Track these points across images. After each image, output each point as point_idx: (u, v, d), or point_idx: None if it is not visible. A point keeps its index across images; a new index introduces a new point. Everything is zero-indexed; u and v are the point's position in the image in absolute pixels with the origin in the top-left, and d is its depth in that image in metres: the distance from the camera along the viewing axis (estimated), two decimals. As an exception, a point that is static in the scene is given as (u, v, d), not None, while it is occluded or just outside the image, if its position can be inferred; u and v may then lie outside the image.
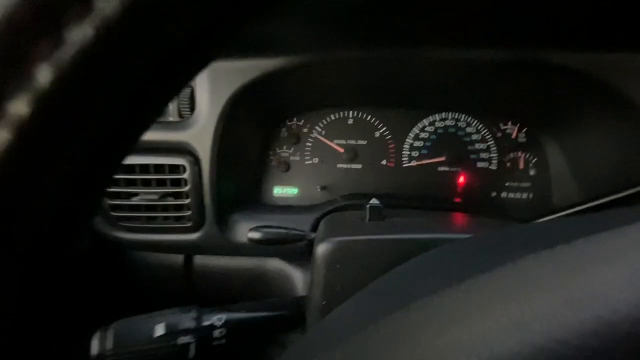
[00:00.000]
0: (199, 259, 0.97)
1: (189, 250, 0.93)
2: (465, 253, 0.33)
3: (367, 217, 0.65)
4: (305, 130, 1.06)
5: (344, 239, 0.56)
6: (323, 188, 1.04)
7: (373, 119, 1.04)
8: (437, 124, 1.05)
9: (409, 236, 0.54)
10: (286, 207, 0.98)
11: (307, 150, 1.06)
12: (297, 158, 1.07)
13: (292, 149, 1.07)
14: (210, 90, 0.81)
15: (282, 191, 1.08)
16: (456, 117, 1.03)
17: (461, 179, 1.03)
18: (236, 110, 0.83)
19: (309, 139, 1.06)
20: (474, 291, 0.20)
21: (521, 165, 1.04)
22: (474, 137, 1.04)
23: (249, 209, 0.94)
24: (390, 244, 0.54)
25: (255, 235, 0.75)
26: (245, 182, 1.00)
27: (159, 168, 0.83)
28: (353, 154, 1.05)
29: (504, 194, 1.03)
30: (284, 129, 1.07)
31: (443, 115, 1.03)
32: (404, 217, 0.67)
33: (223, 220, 0.90)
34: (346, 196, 0.97)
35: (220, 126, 0.84)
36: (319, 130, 1.05)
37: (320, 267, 0.55)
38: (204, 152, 0.85)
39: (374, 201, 0.66)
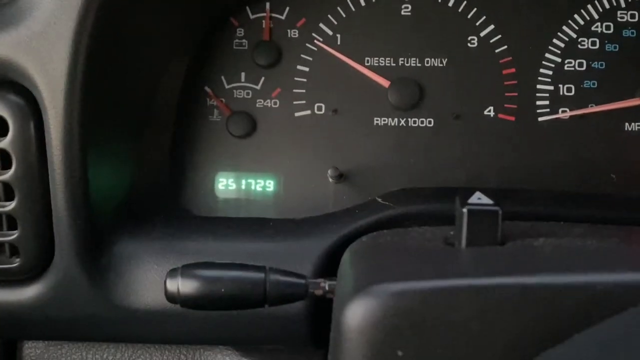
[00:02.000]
0: (35, 350, 0.73)
1: (10, 328, 0.67)
2: None
3: (464, 238, 0.46)
4: (294, 32, 0.71)
5: (413, 287, 0.42)
6: (339, 177, 0.67)
7: (464, 5, 0.70)
8: (622, 16, 0.68)
9: (567, 279, 0.41)
10: (248, 221, 0.66)
11: (299, 84, 0.71)
12: (275, 104, 0.72)
13: (262, 79, 0.72)
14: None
15: (238, 185, 0.72)
16: None
17: None
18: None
19: (304, 56, 0.71)
20: None
21: None
22: None
23: (162, 227, 0.65)
24: (523, 296, 0.40)
25: (189, 286, 0.51)
26: (147, 165, 0.71)
27: None
28: (413, 93, 0.70)
29: None
30: (238, 31, 0.72)
31: None
32: (549, 236, 0.50)
33: (99, 253, 0.63)
34: (399, 194, 0.65)
35: (86, 23, 0.56)
36: (328, 32, 0.71)
37: (358, 355, 0.42)
38: (52, 90, 0.58)
39: (479, 199, 0.47)
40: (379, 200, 0.63)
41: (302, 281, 0.51)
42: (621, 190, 0.65)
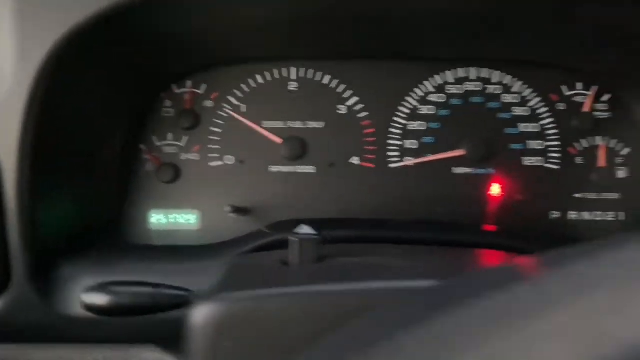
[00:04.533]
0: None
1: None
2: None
3: (296, 257, 0.52)
4: (210, 103, 0.79)
5: (235, 297, 0.46)
6: (239, 211, 0.76)
7: (335, 82, 0.79)
8: (450, 89, 0.79)
9: (341, 287, 0.46)
10: (175, 249, 0.71)
11: (214, 142, 0.79)
12: (195, 156, 0.79)
13: (185, 139, 0.79)
14: (18, 36, 0.59)
15: (167, 219, 0.78)
16: (484, 75, 0.78)
17: (495, 189, 0.77)
18: (69, 69, 0.61)
19: (217, 120, 0.79)
20: None
21: (602, 162, 0.76)
22: (517, 111, 0.78)
23: (99, 253, 0.69)
24: (307, 301, 0.44)
25: (98, 298, 0.53)
26: (92, 204, 0.75)
27: None
28: (299, 147, 0.78)
29: (572, 215, 0.77)
30: (166, 102, 0.79)
31: (461, 72, 0.78)
32: (358, 254, 0.55)
33: (46, 276, 0.66)
34: (277, 225, 0.71)
35: (37, 97, 0.59)
36: (235, 102, 0.79)
37: (197, 347, 0.45)
38: (7, 153, 0.60)
39: (304, 230, 0.53)
40: (265, 229, 0.69)
41: (186, 293, 0.56)
42: (449, 218, 0.75)
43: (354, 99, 0.78)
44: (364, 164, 0.78)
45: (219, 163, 0.78)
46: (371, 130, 0.78)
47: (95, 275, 0.66)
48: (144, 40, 0.69)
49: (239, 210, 0.75)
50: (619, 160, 0.76)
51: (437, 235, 0.66)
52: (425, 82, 0.78)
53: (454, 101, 0.78)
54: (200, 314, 0.46)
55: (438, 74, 0.78)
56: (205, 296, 0.48)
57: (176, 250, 0.71)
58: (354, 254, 0.56)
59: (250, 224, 0.76)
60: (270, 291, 0.47)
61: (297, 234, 0.53)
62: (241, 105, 0.78)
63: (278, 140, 0.77)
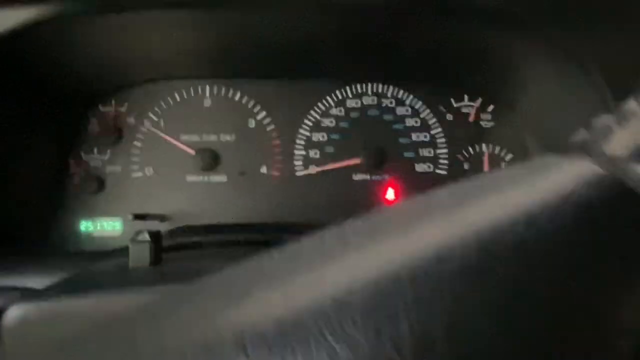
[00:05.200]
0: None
1: None
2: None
3: (130, 262, 0.51)
4: (132, 119, 0.84)
5: (37, 300, 0.44)
6: (140, 218, 0.80)
7: (245, 99, 0.84)
8: (349, 104, 0.84)
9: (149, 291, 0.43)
10: (100, 255, 0.70)
11: (135, 155, 0.84)
12: (118, 168, 0.84)
13: (109, 153, 0.84)
14: None
15: (95, 227, 0.83)
16: (379, 90, 0.84)
17: (390, 194, 0.81)
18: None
19: (138, 135, 0.84)
20: None
21: (487, 167, 0.81)
22: (409, 122, 0.83)
23: (29, 261, 0.66)
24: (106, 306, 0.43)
25: None
26: (29, 213, 0.79)
27: None
28: (211, 159, 0.83)
29: None
30: (92, 120, 0.85)
31: (358, 88, 0.84)
32: (196, 259, 0.55)
33: None
34: (177, 230, 0.74)
35: None
36: (155, 119, 0.84)
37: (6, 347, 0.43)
38: None
39: (142, 236, 0.52)
40: (166, 234, 0.67)
41: (10, 294, 0.52)
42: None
43: (262, 114, 0.83)
44: (272, 172, 0.83)
45: (140, 174, 0.83)
46: (278, 141, 0.83)
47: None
48: (60, 62, 0.72)
49: (139, 217, 0.78)
50: (503, 165, 0.81)
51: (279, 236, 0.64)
52: (327, 97, 0.83)
53: (353, 114, 0.83)
54: (7, 315, 0.45)
55: (338, 90, 0.83)
56: (18, 298, 0.46)
57: (84, 256, 0.71)
58: (195, 258, 0.56)
59: (167, 229, 0.78)
60: (72, 296, 0.45)
61: (134, 240, 0.52)
62: (160, 120, 0.83)
63: (192, 152, 0.82)
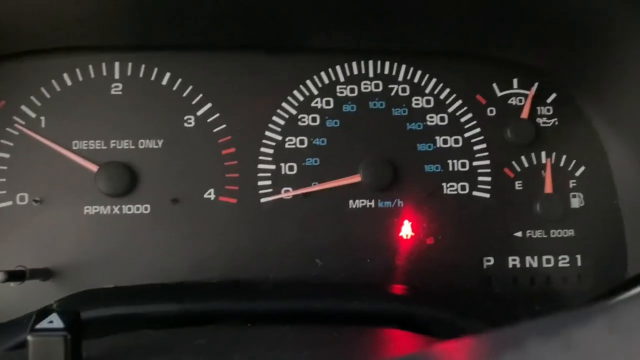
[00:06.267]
0: None
1: None
2: None
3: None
4: None
5: None
6: (16, 277, 0.55)
7: (179, 82, 0.60)
8: (341, 91, 0.61)
9: None
10: None
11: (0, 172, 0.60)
12: None
13: None
14: None
15: None
16: (385, 70, 0.62)
17: (406, 228, 0.59)
18: None
19: (4, 141, 0.59)
20: None
21: (548, 187, 0.60)
22: (431, 119, 0.61)
23: None
24: None
25: None
26: None
27: None
28: (124, 178, 0.59)
29: (513, 260, 0.61)
30: None
31: (354, 67, 0.62)
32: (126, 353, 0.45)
33: None
34: (72, 298, 0.55)
35: None
36: (31, 114, 0.60)
37: None
38: None
39: (50, 322, 0.42)
40: (54, 305, 0.51)
41: None
42: (337, 274, 0.58)
43: (207, 106, 0.60)
44: (223, 198, 0.60)
45: (7, 204, 0.58)
46: (232, 149, 0.60)
47: None
48: None
49: (15, 277, 0.53)
50: (571, 183, 0.60)
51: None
52: (308, 82, 0.61)
53: (347, 107, 0.61)
54: None
55: (324, 69, 0.60)
56: None
57: None
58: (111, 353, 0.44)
59: (48, 291, 0.56)
60: None
61: (40, 329, 0.41)
62: (40, 118, 0.59)
63: (93, 167, 0.57)
